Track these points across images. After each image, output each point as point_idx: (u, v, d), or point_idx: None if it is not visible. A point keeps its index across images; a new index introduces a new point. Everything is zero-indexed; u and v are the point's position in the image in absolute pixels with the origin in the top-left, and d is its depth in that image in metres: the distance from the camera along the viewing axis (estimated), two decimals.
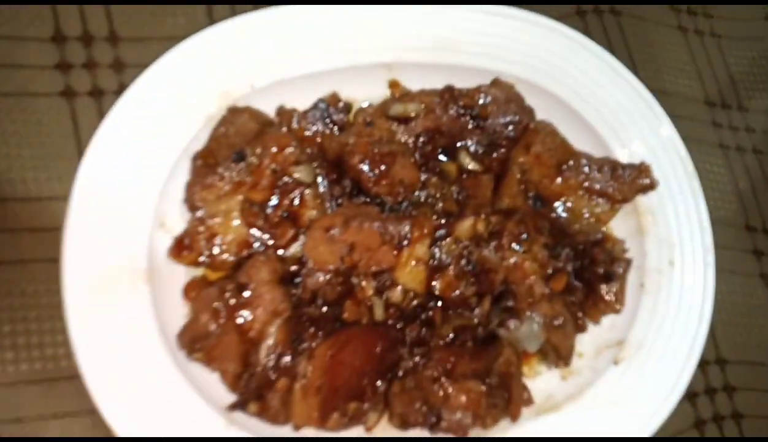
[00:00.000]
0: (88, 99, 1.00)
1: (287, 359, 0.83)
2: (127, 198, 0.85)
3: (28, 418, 0.86)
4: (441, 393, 0.88)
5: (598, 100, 1.06)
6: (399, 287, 0.93)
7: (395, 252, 0.91)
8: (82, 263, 0.80)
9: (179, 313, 0.86)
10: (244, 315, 0.83)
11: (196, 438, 0.80)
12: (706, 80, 1.38)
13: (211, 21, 1.09)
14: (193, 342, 0.81)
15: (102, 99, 1.00)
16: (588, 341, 1.03)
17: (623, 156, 1.07)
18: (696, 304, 1.03)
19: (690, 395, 1.15)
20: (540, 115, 1.08)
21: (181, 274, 0.89)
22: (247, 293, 0.83)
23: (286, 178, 0.90)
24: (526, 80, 1.06)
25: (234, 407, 0.83)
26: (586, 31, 1.28)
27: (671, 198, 1.06)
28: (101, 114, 0.99)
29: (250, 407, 0.82)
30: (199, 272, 0.89)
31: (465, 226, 0.94)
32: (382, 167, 0.92)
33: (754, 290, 1.27)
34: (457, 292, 0.93)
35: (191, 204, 0.87)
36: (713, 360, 1.19)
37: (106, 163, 0.85)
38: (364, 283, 0.91)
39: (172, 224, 0.89)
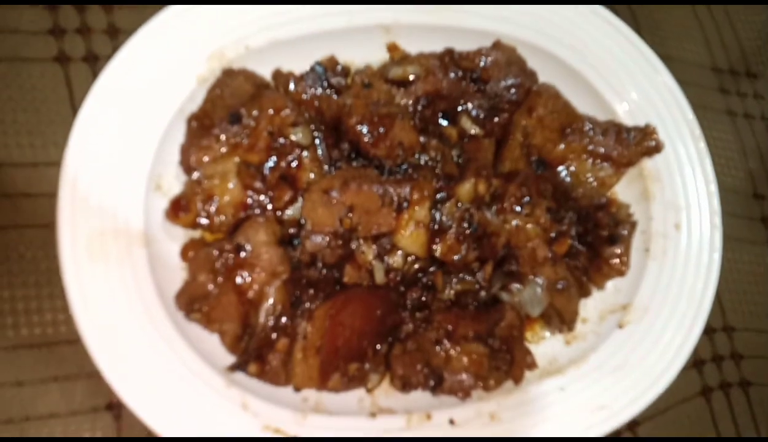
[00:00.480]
0: (82, 64, 0.99)
1: (286, 320, 0.82)
2: (121, 161, 0.84)
3: (29, 381, 0.85)
4: (443, 355, 0.87)
5: (602, 63, 1.04)
6: (399, 252, 0.92)
7: (395, 215, 0.89)
8: (78, 227, 0.79)
9: (177, 275, 0.86)
10: (243, 276, 0.82)
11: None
12: (714, 46, 1.35)
13: None
14: (191, 303, 0.80)
15: (96, 64, 0.99)
16: (592, 306, 1.01)
17: (628, 119, 1.05)
18: (702, 268, 1.01)
19: (697, 363, 1.14)
20: (542, 78, 1.06)
21: (179, 236, 0.88)
22: (245, 254, 0.82)
23: (282, 140, 0.88)
24: (528, 43, 1.04)
25: (234, 367, 0.82)
26: None
27: (677, 160, 1.04)
28: (96, 79, 0.98)
29: (250, 367, 0.81)
30: (196, 234, 0.88)
31: (466, 188, 0.92)
32: (381, 129, 0.90)
33: (762, 258, 1.25)
34: (459, 256, 0.92)
35: (187, 166, 0.85)
36: (720, 327, 1.18)
37: (99, 126, 0.83)
38: (364, 247, 0.90)
39: (168, 186, 0.88)
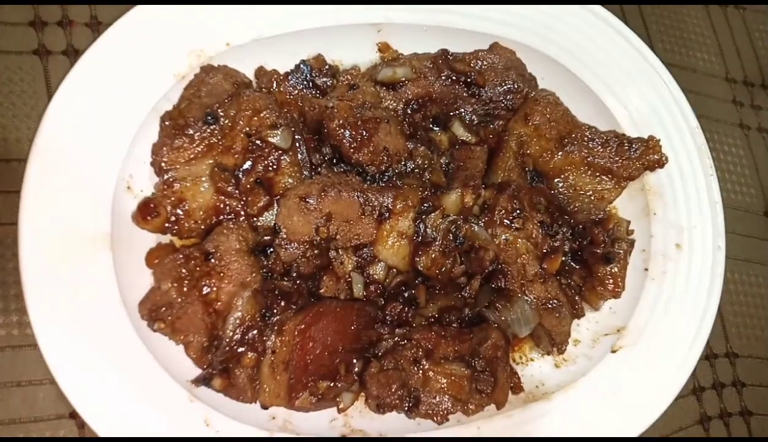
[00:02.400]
0: (62, 58, 0.96)
1: (255, 333, 0.78)
2: (90, 159, 0.80)
3: None
4: (420, 375, 0.82)
5: (606, 71, 0.98)
6: (381, 263, 0.87)
7: (376, 225, 0.85)
8: (41, 226, 0.76)
9: (144, 281, 0.82)
10: (210, 285, 0.77)
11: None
12: (728, 55, 1.28)
13: None
14: (155, 312, 0.76)
15: (76, 58, 0.95)
16: (585, 327, 0.96)
17: (631, 130, 0.99)
18: (703, 292, 0.95)
19: (696, 390, 1.08)
20: (542, 85, 1.01)
21: (148, 240, 0.84)
22: (213, 262, 0.78)
23: (260, 143, 0.84)
24: (528, 46, 0.98)
25: (198, 381, 0.78)
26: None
27: (682, 176, 0.98)
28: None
29: (215, 382, 0.77)
30: (166, 238, 0.84)
31: (452, 198, 0.87)
32: (364, 133, 0.86)
33: None
34: (443, 269, 0.87)
35: (158, 167, 0.82)
36: (722, 354, 1.11)
37: (69, 121, 0.80)
38: (344, 257, 0.86)
39: (139, 187, 0.84)
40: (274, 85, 0.91)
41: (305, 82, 0.92)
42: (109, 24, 0.96)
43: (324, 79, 0.93)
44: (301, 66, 0.93)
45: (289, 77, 0.92)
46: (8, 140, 0.92)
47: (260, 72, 0.91)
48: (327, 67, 0.94)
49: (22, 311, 0.86)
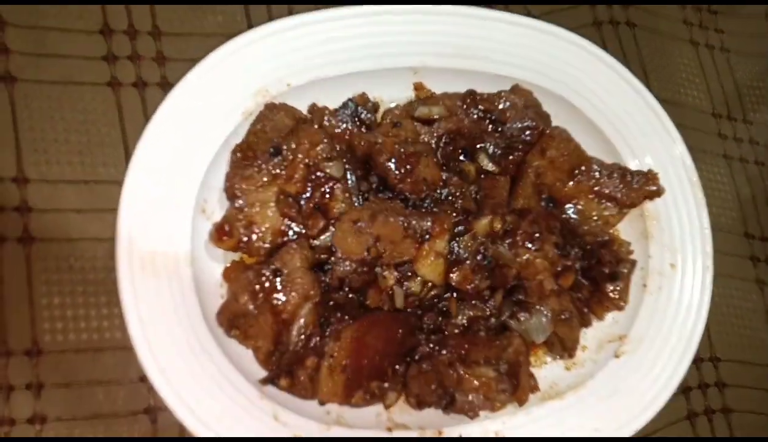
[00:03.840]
0: (131, 89, 1.07)
1: (316, 339, 0.91)
2: (172, 186, 0.92)
3: (76, 383, 0.93)
4: (455, 377, 0.95)
5: (612, 111, 1.13)
6: (418, 278, 1.00)
7: (417, 245, 0.98)
8: (134, 244, 0.87)
9: (217, 293, 0.94)
10: (279, 298, 0.90)
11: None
12: (714, 93, 1.44)
13: (248, 19, 1.15)
14: (232, 320, 0.88)
15: (145, 90, 1.07)
16: (591, 335, 1.10)
17: (633, 164, 1.14)
18: (694, 305, 1.10)
19: (684, 389, 1.23)
20: (555, 122, 1.14)
21: (219, 257, 0.96)
22: (281, 278, 0.90)
23: (318, 173, 0.96)
24: (544, 88, 1.12)
25: (266, 381, 0.90)
26: (603, 42, 1.34)
27: (675, 205, 1.13)
28: (144, 104, 1.06)
29: (281, 381, 0.89)
30: (235, 256, 0.96)
31: (482, 223, 1.00)
32: (408, 166, 0.99)
33: (749, 294, 1.34)
34: (473, 284, 1.00)
35: (231, 193, 0.93)
36: (707, 358, 1.27)
37: (154, 155, 0.91)
38: (386, 273, 0.98)
39: (211, 210, 0.96)
40: (326, 120, 1.03)
41: (352, 117, 1.05)
42: (173, 58, 1.09)
43: (368, 115, 1.06)
44: (349, 103, 1.05)
45: (338, 113, 1.04)
46: (84, 163, 1.03)
47: (313, 108, 1.04)
48: (370, 103, 1.07)
49: (101, 318, 0.97)
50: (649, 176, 1.11)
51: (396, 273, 0.99)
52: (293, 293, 0.90)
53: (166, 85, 1.06)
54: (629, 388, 1.04)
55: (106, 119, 1.05)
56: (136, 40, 1.09)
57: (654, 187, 1.11)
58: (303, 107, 1.03)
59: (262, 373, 0.92)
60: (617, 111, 1.14)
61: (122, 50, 1.07)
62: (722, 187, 1.38)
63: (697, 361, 1.25)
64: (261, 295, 0.89)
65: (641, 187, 1.11)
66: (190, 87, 0.94)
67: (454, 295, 1.02)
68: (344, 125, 1.04)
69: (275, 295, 0.89)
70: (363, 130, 1.05)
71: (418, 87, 1.11)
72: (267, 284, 0.89)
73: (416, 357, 0.97)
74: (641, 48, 1.38)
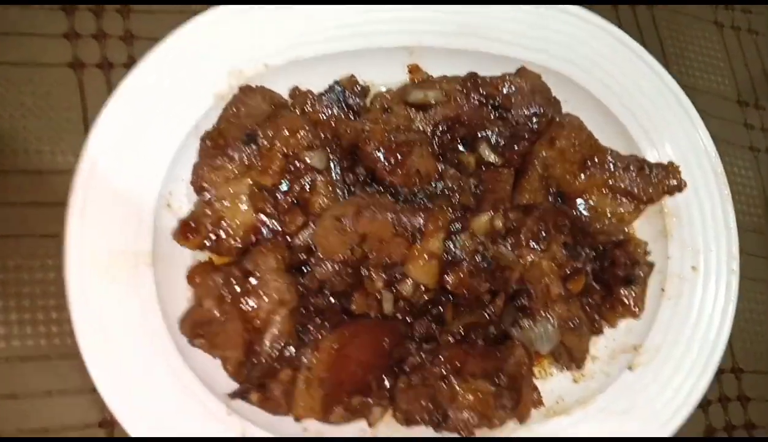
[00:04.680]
0: (96, 71, 0.97)
1: (292, 349, 0.81)
2: (133, 176, 0.82)
3: (23, 394, 0.84)
4: (448, 391, 0.85)
5: (628, 95, 1.01)
6: (410, 281, 0.90)
7: (408, 245, 0.88)
8: (86, 241, 0.78)
9: (183, 297, 0.84)
10: (249, 303, 0.80)
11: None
12: (740, 78, 1.32)
13: None
14: (196, 328, 0.79)
15: (111, 71, 0.97)
16: (603, 344, 1.00)
17: (651, 155, 1.03)
18: (717, 312, 0.99)
19: (703, 403, 1.12)
20: (566, 108, 1.03)
21: (187, 257, 0.86)
22: (253, 281, 0.80)
23: (297, 163, 0.86)
24: (554, 71, 1.01)
25: (235, 395, 0.81)
26: (618, 22, 1.22)
27: (698, 201, 1.01)
28: (109, 87, 0.96)
29: (252, 396, 0.80)
30: (204, 255, 0.87)
31: (481, 221, 0.90)
32: (398, 156, 0.88)
33: None
34: (470, 288, 0.90)
35: (198, 186, 0.84)
36: (729, 369, 1.16)
37: (113, 140, 0.81)
38: (374, 275, 0.88)
39: (178, 204, 0.86)
40: (308, 105, 0.93)
41: (338, 102, 0.95)
42: (142, 37, 0.99)
43: (356, 100, 0.95)
44: (335, 86, 0.95)
45: (323, 98, 0.94)
46: (42, 152, 0.93)
47: (295, 92, 0.93)
48: (359, 87, 0.97)
49: (51, 323, 0.88)
50: (670, 169, 1.00)
51: (384, 275, 0.89)
52: (265, 298, 0.80)
53: (134, 67, 0.96)
54: (644, 404, 0.94)
55: (68, 104, 0.96)
56: (101, 17, 0.99)
57: (675, 181, 1.00)
58: (283, 91, 0.93)
59: (232, 386, 0.83)
60: (635, 96, 1.02)
61: (86, 28, 0.97)
62: (747, 181, 1.27)
63: (717, 373, 1.14)
64: (229, 300, 0.79)
65: (660, 181, 1.00)
66: (154, 66, 0.84)
67: (450, 300, 0.92)
68: (329, 111, 0.94)
69: (245, 300, 0.80)
70: (351, 117, 0.95)
71: (414, 69, 1.00)
72: (237, 288, 0.80)
73: (406, 369, 0.88)
74: (660, 30, 1.26)
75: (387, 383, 0.86)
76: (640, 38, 1.24)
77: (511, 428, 0.90)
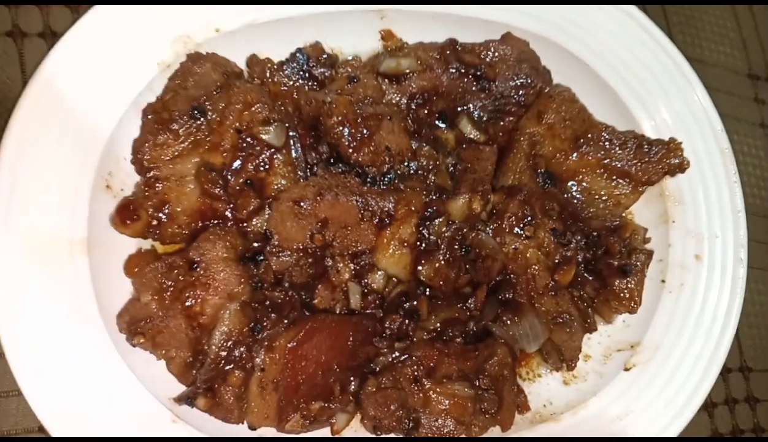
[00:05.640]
0: (38, 40, 0.87)
1: (242, 349, 0.72)
2: (66, 155, 0.73)
3: None
4: (421, 395, 0.76)
5: (625, 66, 0.91)
6: (380, 272, 0.81)
7: (376, 232, 0.78)
8: (13, 226, 0.69)
9: (124, 290, 0.75)
10: (194, 297, 0.71)
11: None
12: (751, 50, 1.21)
13: None
14: (134, 325, 0.70)
15: (54, 41, 0.88)
16: (596, 341, 0.91)
17: (650, 131, 0.93)
18: (723, 305, 0.90)
19: (707, 406, 1.03)
20: (557, 79, 0.93)
21: (129, 244, 0.77)
22: (198, 271, 0.71)
23: (251, 140, 0.77)
24: (543, 37, 0.91)
25: (181, 399, 0.72)
26: None
27: (703, 182, 0.92)
28: None
29: (199, 401, 0.71)
30: (147, 244, 0.78)
31: (458, 204, 0.81)
32: (365, 132, 0.79)
33: None
34: (448, 280, 0.81)
35: (140, 164, 0.75)
36: (736, 368, 1.06)
37: (43, 113, 0.72)
38: (340, 265, 0.79)
39: (119, 186, 0.77)
40: (268, 75, 0.83)
41: (301, 73, 0.85)
42: (90, 4, 0.89)
43: (322, 70, 0.86)
44: (297, 54, 0.85)
45: (284, 67, 0.84)
46: None
47: (253, 61, 0.84)
48: (325, 56, 0.87)
49: None
50: (671, 146, 0.90)
51: (352, 266, 0.80)
52: (212, 291, 0.71)
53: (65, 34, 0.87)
54: (641, 408, 0.85)
55: (6, 75, 0.86)
56: None
57: (676, 160, 0.90)
58: (239, 59, 0.83)
59: (179, 389, 0.74)
60: (633, 66, 0.92)
61: None
62: (757, 162, 1.17)
63: (723, 372, 1.05)
64: (169, 293, 0.70)
65: (661, 159, 0.90)
66: (88, 31, 0.74)
67: (425, 293, 0.83)
68: (291, 82, 0.84)
69: (189, 293, 0.71)
70: (315, 88, 0.85)
71: (387, 36, 0.90)
72: (180, 279, 0.71)
73: (375, 368, 0.79)
74: None
75: (353, 387, 0.77)
76: (641, 6, 1.13)
77: (494, 435, 0.81)
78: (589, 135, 0.91)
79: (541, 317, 0.83)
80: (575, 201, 0.91)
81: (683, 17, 1.18)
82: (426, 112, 0.88)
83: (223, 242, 0.72)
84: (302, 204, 0.75)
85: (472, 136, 0.88)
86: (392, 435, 0.78)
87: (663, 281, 0.91)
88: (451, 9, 0.89)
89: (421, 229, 0.80)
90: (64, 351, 0.69)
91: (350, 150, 0.79)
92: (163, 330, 0.71)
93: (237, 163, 0.77)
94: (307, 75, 0.85)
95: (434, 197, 0.81)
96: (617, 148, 0.91)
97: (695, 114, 0.93)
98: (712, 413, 1.03)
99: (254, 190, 0.76)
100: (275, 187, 0.77)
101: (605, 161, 0.91)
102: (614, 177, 0.92)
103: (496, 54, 0.90)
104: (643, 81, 0.92)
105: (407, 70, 0.86)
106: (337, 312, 0.79)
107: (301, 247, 0.76)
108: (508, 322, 0.82)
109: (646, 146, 0.90)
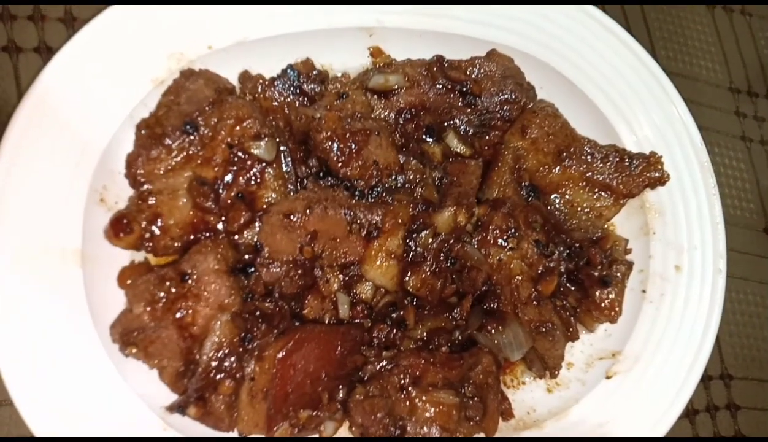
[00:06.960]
0: (33, 55, 0.89)
1: (234, 359, 0.74)
2: (61, 168, 0.75)
3: None
4: (407, 403, 0.78)
5: (608, 81, 0.94)
6: (368, 283, 0.83)
7: (364, 244, 0.81)
8: (7, 236, 0.71)
9: (118, 300, 0.77)
10: (186, 308, 0.73)
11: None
12: (732, 64, 1.24)
13: None
14: (127, 335, 0.72)
15: (49, 56, 0.89)
16: (579, 350, 0.93)
17: (631, 144, 0.95)
18: (702, 314, 0.92)
19: (689, 413, 1.05)
20: (540, 94, 0.96)
21: (124, 258, 0.79)
22: (189, 283, 0.73)
23: (242, 154, 0.79)
24: (527, 54, 0.93)
25: (172, 408, 0.74)
26: (602, 3, 1.15)
27: (683, 195, 0.94)
28: None
29: (191, 410, 0.73)
30: (140, 256, 0.80)
31: (444, 216, 0.83)
32: (353, 146, 0.81)
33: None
34: (434, 291, 0.83)
35: (133, 178, 0.76)
36: (717, 375, 1.09)
37: (38, 127, 0.74)
38: (329, 276, 0.81)
39: (113, 199, 0.79)
40: (259, 90, 0.86)
41: (292, 89, 0.87)
42: (85, 20, 0.91)
43: (312, 86, 0.88)
44: (288, 71, 0.87)
45: (275, 83, 0.87)
46: None
47: (244, 77, 0.86)
48: (315, 72, 0.89)
49: None
50: (652, 160, 0.93)
51: (341, 277, 0.82)
52: (204, 302, 0.73)
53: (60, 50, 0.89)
54: (623, 415, 0.87)
55: (1, 90, 0.88)
56: None
57: (657, 173, 0.93)
58: (231, 76, 0.86)
59: (171, 397, 0.76)
60: (615, 82, 0.95)
61: (22, 9, 0.90)
62: (739, 174, 1.19)
63: (704, 379, 1.07)
64: (161, 304, 0.72)
65: (642, 173, 0.93)
66: (84, 47, 0.76)
67: (412, 303, 0.85)
68: (282, 98, 0.86)
69: (181, 304, 0.72)
70: (306, 104, 0.87)
71: (375, 52, 0.93)
72: (171, 291, 0.73)
73: (363, 377, 0.81)
74: (646, 10, 1.19)
75: (341, 395, 0.79)
76: (623, 19, 1.17)
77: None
78: (572, 149, 0.93)
79: (524, 326, 0.85)
80: (558, 213, 0.94)
81: (666, 32, 1.21)
82: (413, 126, 0.90)
83: (215, 254, 0.74)
84: (292, 217, 0.77)
85: (458, 150, 0.91)
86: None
87: (644, 291, 0.93)
88: (437, 26, 0.91)
89: (408, 241, 0.82)
90: (57, 361, 0.71)
91: (339, 164, 0.81)
92: (156, 340, 0.73)
93: (228, 177, 0.79)
94: (297, 91, 0.87)
95: (421, 210, 0.84)
96: (599, 162, 0.93)
97: (675, 128, 0.96)
98: (694, 420, 1.05)
99: (245, 203, 0.78)
100: (266, 200, 0.80)
101: (587, 174, 0.93)
102: (596, 190, 0.94)
103: (482, 70, 0.92)
104: (624, 96, 0.95)
105: (395, 86, 0.89)
106: (327, 322, 0.81)
107: (290, 259, 0.78)
108: (493, 331, 0.84)
109: (627, 160, 0.93)
